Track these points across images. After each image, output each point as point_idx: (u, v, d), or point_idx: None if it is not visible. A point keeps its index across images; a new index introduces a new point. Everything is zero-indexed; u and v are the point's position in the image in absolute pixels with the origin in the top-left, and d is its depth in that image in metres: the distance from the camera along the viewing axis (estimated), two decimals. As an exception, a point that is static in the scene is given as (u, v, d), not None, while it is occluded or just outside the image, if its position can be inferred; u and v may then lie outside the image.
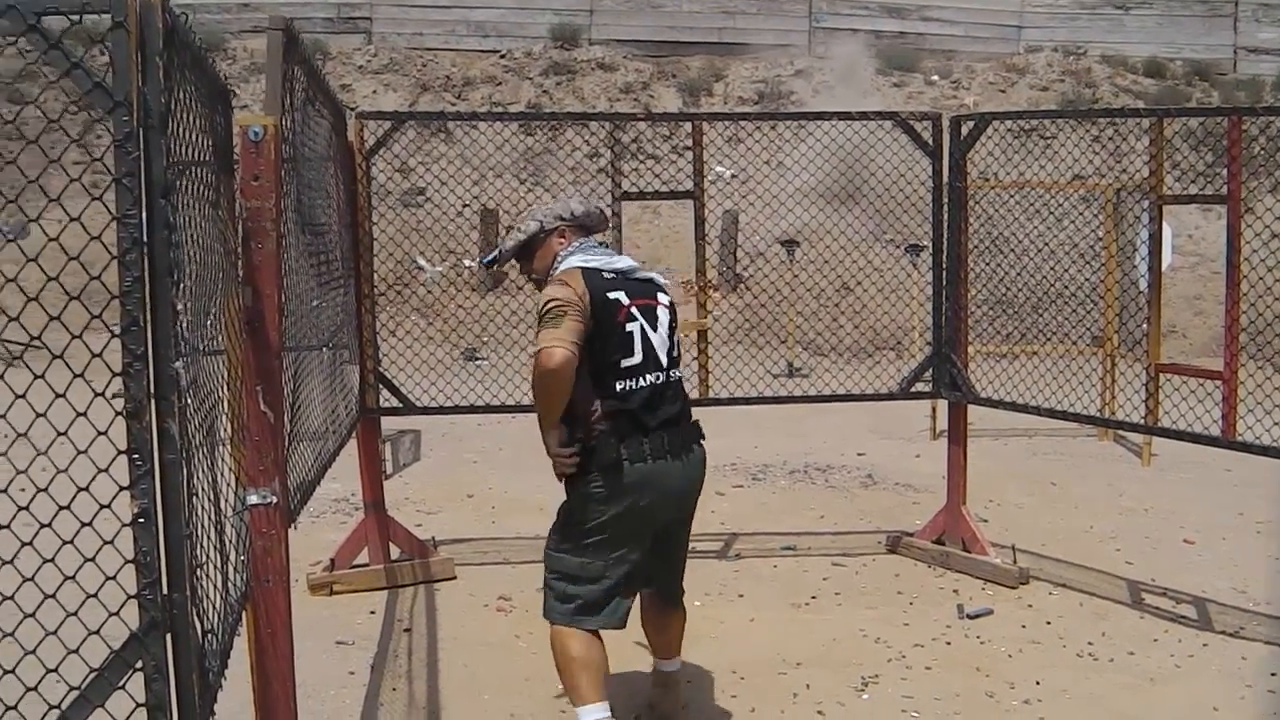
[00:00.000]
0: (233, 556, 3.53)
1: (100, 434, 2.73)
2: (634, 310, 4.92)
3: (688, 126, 17.71)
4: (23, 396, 2.79)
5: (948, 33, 23.87)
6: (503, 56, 22.68)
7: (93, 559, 2.78)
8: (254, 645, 3.74)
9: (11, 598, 2.85)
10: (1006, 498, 9.42)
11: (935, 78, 23.12)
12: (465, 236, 15.96)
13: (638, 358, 4.89)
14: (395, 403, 7.55)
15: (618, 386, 4.86)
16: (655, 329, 4.99)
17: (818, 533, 8.52)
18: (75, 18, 2.70)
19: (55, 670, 2.82)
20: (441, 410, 7.68)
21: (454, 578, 7.48)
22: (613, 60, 22.71)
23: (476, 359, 14.42)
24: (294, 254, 4.34)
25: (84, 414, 2.74)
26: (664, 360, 4.99)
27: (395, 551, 7.52)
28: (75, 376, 2.74)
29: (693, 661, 5.94)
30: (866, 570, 7.70)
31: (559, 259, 5.09)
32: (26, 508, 2.79)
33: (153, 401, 2.66)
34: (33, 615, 2.83)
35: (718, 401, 7.72)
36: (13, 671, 2.82)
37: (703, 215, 7.66)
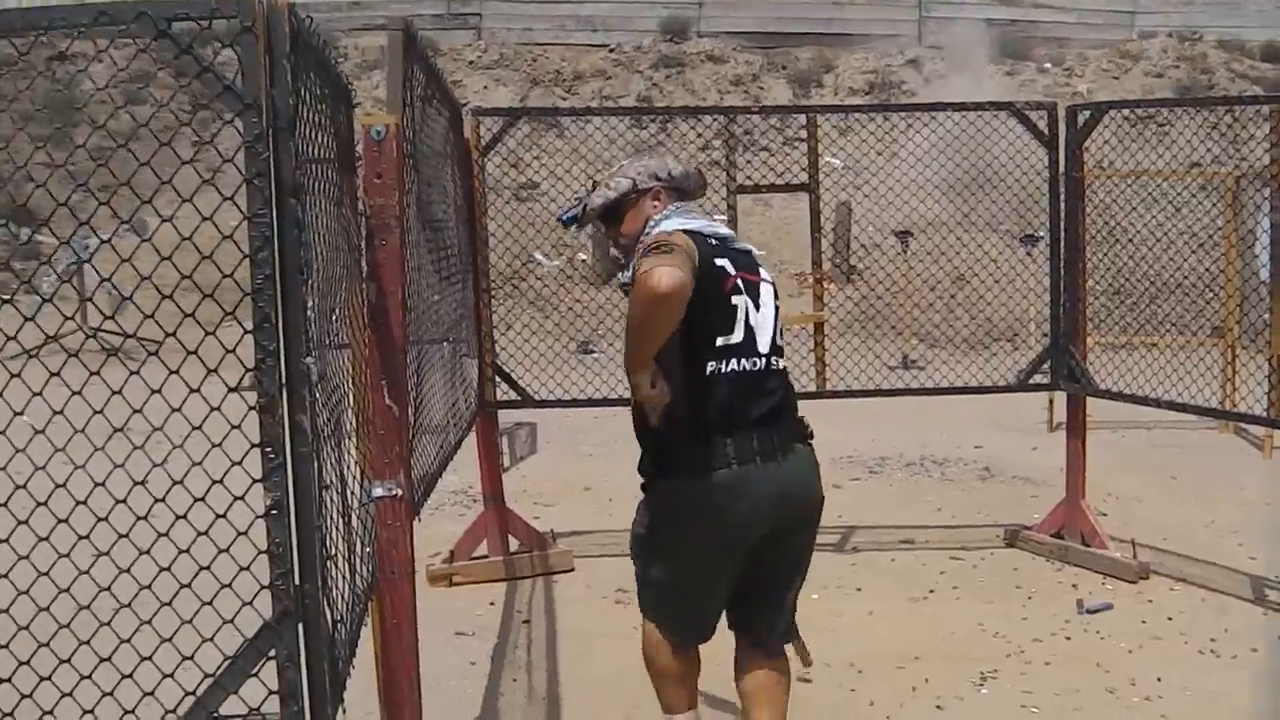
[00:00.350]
0: (359, 548, 3.59)
1: (234, 428, 2.79)
2: (740, 282, 4.24)
3: (799, 118, 17.68)
4: (158, 392, 2.86)
5: (1060, 19, 23.61)
6: (612, 50, 22.76)
7: (227, 550, 2.84)
8: (379, 635, 3.80)
9: (149, 587, 2.93)
10: (1125, 491, 9.31)
11: (1048, 65, 22.87)
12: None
13: (737, 337, 4.19)
14: (513, 396, 7.62)
15: (708, 368, 4.14)
16: (759, 308, 4.30)
17: (935, 526, 8.48)
18: (204, 23, 2.75)
19: (190, 658, 2.90)
20: (559, 404, 7.74)
21: (572, 569, 7.54)
22: (722, 52, 22.70)
23: (590, 352, 14.49)
24: (416, 250, 4.41)
25: (217, 408, 2.81)
26: (764, 345, 4.27)
27: (514, 543, 7.59)
28: (209, 372, 2.81)
29: (812, 655, 5.93)
30: (984, 564, 7.66)
31: (652, 224, 4.40)
32: (162, 499, 2.86)
33: (284, 396, 2.71)
34: (169, 604, 2.90)
35: (835, 394, 7.72)
36: (149, 659, 2.90)
37: (818, 208, 7.65)
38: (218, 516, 2.83)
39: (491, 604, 6.98)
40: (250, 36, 2.69)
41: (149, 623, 2.93)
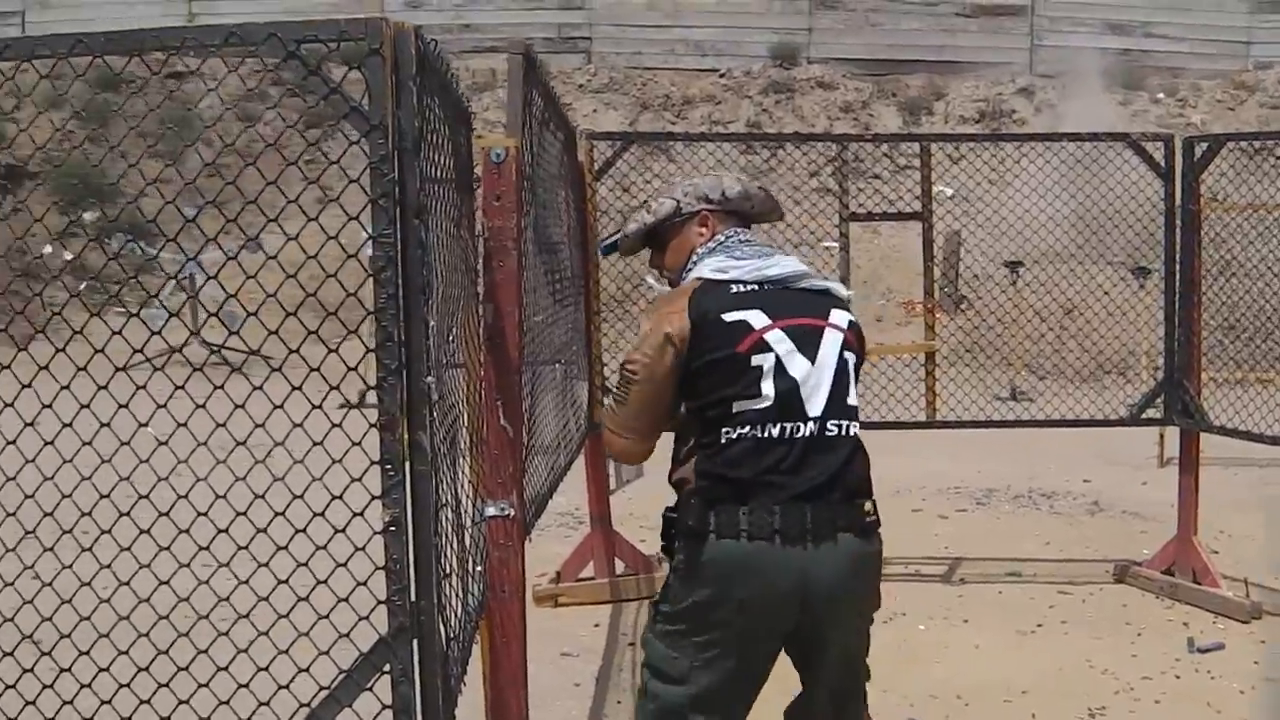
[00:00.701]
0: (470, 566, 3.62)
1: (354, 444, 2.83)
2: (770, 337, 3.62)
3: (908, 146, 17.63)
4: (280, 407, 2.90)
5: (1173, 49, 23.30)
6: (721, 75, 22.77)
7: (344, 564, 2.88)
8: (489, 654, 3.82)
9: (266, 599, 2.97)
10: (1237, 529, 9.15)
11: (1161, 95, 22.60)
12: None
13: (764, 400, 3.58)
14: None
15: (723, 434, 3.61)
16: (812, 358, 3.64)
17: (1043, 559, 8.39)
18: (333, 45, 2.80)
19: (306, 670, 2.93)
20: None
21: (676, 594, 7.54)
22: (832, 79, 22.65)
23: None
24: (531, 272, 4.44)
25: (339, 425, 2.85)
26: (816, 406, 3.62)
27: (619, 566, 7.61)
28: (331, 389, 2.85)
29: (918, 686, 5.90)
30: (1093, 599, 7.57)
31: (695, 257, 3.85)
32: (282, 513, 2.90)
33: (405, 414, 2.74)
34: (286, 617, 2.94)
35: (946, 424, 7.69)
36: (266, 669, 2.94)
37: (931, 237, 7.62)
38: (336, 531, 2.87)
39: (596, 625, 7.00)
40: (378, 59, 2.72)
41: (266, 634, 2.97)
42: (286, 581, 2.93)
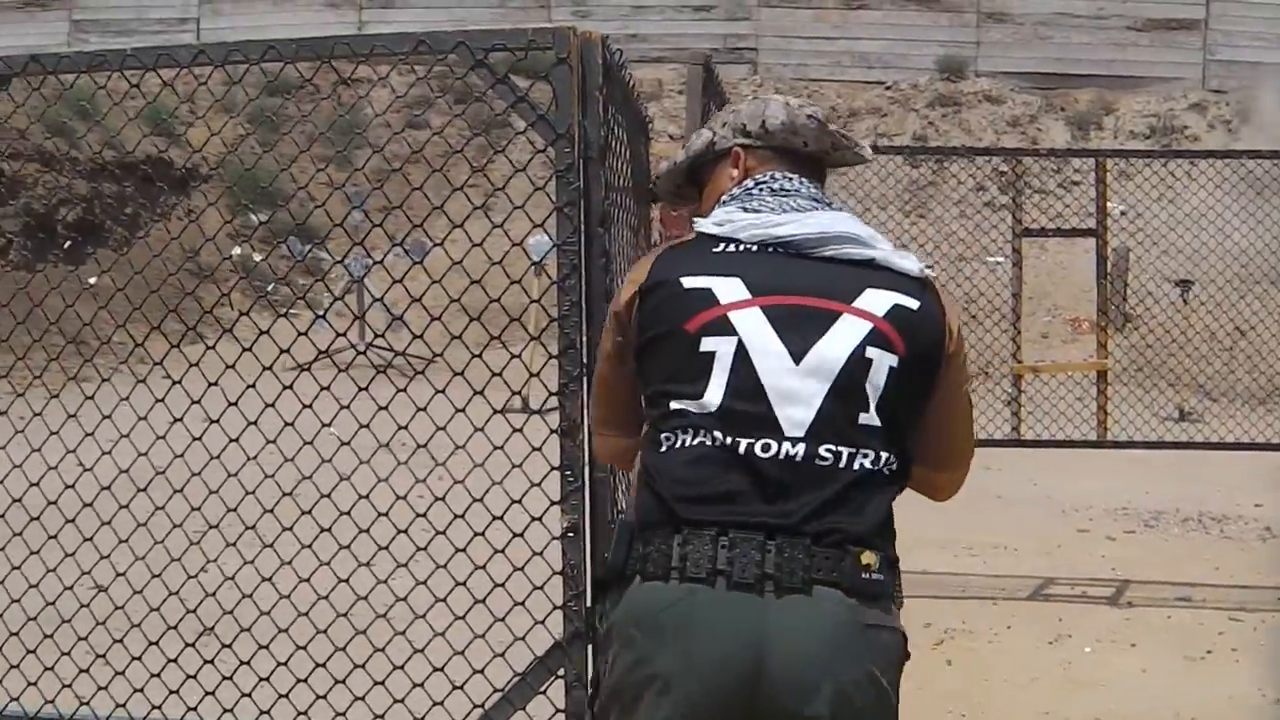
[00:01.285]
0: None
1: (535, 449, 2.85)
2: (739, 316, 2.49)
3: (1075, 161, 17.36)
4: (462, 410, 2.94)
5: (1357, 65, 22.68)
6: (888, 88, 22.63)
7: (521, 569, 2.91)
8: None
9: (444, 600, 3.01)
10: None
11: (1342, 112, 22.01)
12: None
13: (711, 399, 2.44)
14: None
15: (663, 440, 2.48)
16: (799, 354, 2.46)
17: (1213, 584, 8.20)
18: (520, 54, 2.83)
19: (480, 672, 2.96)
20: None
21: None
22: (1000, 93, 22.39)
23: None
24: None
25: (519, 430, 2.88)
26: (794, 421, 2.42)
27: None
28: (513, 394, 2.89)
29: (1083, 710, 5.80)
30: (1265, 627, 7.37)
31: (721, 202, 2.70)
32: (462, 516, 2.94)
33: (585, 421, 2.76)
34: (463, 618, 2.98)
35: (1118, 444, 7.57)
36: (441, 669, 2.98)
37: (1105, 254, 7.50)
38: (514, 535, 2.90)
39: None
40: (565, 68, 2.76)
41: (442, 634, 3.01)
42: (464, 584, 2.97)
